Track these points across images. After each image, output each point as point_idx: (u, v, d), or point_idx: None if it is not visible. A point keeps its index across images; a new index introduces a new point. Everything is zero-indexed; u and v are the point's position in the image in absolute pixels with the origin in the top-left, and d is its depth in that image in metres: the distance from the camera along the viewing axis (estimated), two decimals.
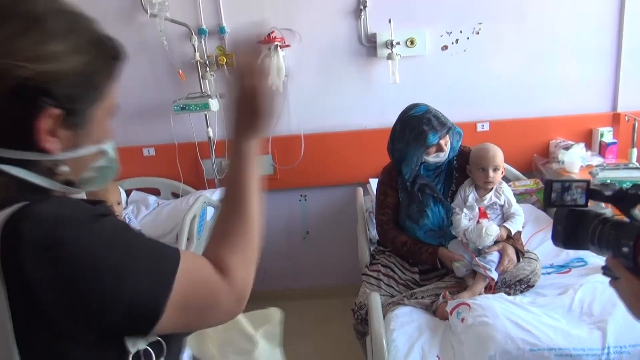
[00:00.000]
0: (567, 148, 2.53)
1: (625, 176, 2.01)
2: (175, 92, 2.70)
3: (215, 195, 2.68)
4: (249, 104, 0.84)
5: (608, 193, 0.88)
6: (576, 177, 2.32)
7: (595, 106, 2.68)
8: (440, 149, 1.86)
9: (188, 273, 0.69)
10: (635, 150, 2.36)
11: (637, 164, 2.17)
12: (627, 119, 2.49)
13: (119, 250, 0.63)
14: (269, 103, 0.85)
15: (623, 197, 0.86)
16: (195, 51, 2.62)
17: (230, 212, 0.80)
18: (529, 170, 2.71)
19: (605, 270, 0.87)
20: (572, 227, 0.91)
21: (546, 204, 0.91)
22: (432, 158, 1.88)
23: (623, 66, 2.61)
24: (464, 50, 2.64)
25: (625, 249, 0.82)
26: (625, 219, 0.85)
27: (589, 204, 0.91)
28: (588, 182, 0.90)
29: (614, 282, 0.86)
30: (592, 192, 0.90)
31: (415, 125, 1.84)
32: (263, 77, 0.83)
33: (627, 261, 0.82)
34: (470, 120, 2.69)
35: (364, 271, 1.97)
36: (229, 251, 0.77)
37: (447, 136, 1.87)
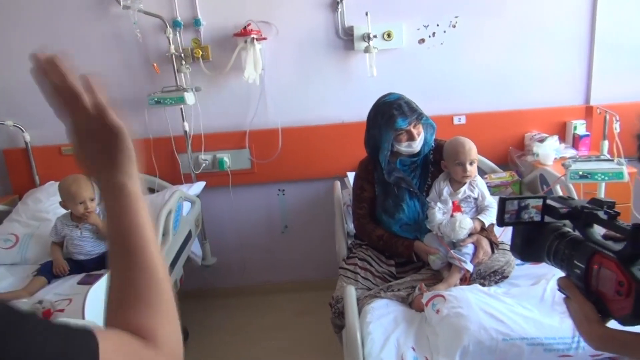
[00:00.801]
0: (541, 140, 2.58)
1: (597, 168, 2.06)
2: (150, 85, 2.67)
3: (192, 189, 2.67)
4: (104, 129, 0.66)
5: (564, 211, 0.88)
6: (550, 169, 2.37)
7: (569, 99, 2.74)
8: (411, 137, 1.88)
9: None
10: (606, 142, 2.42)
11: (608, 156, 2.23)
12: (599, 112, 2.55)
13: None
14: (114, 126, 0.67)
15: (578, 216, 0.86)
16: (170, 44, 2.59)
17: (130, 269, 0.64)
18: (504, 162, 2.75)
19: (560, 288, 0.87)
20: (530, 241, 0.91)
21: (499, 224, 0.91)
22: (405, 148, 1.90)
23: (596, 59, 2.66)
24: (441, 44, 2.66)
25: (577, 271, 0.82)
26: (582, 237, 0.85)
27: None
28: (544, 198, 0.89)
29: (567, 300, 0.86)
30: (548, 209, 0.90)
31: (386, 110, 1.87)
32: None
33: (579, 282, 0.83)
34: (447, 113, 2.72)
35: (341, 265, 1.99)
36: (147, 316, 0.62)
37: (420, 126, 1.89)
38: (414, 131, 1.88)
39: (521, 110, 2.73)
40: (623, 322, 0.77)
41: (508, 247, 1.89)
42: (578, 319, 0.83)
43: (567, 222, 0.89)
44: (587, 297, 0.81)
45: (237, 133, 2.77)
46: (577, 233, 0.87)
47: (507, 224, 0.90)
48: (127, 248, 0.64)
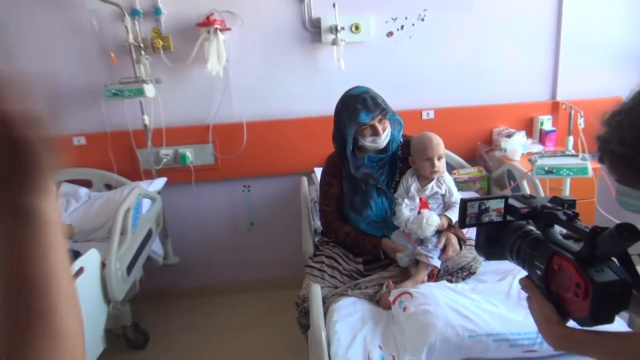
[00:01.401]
0: (509, 136, 2.65)
1: (562, 163, 2.13)
2: (107, 76, 2.60)
3: (152, 186, 2.62)
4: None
5: (524, 211, 0.90)
6: (518, 164, 2.42)
7: (536, 94, 2.81)
8: (375, 132, 1.89)
9: None
10: (571, 137, 2.50)
11: (573, 151, 2.30)
12: (564, 107, 2.62)
13: None
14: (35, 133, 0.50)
15: (538, 216, 0.87)
16: (128, 33, 2.53)
17: (26, 318, 0.46)
18: (473, 158, 2.81)
19: (522, 288, 0.89)
20: (493, 239, 0.93)
21: (460, 225, 0.93)
22: (369, 143, 1.91)
23: (562, 56, 2.74)
24: (409, 37, 2.69)
25: (538, 271, 0.84)
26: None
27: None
28: (506, 199, 0.91)
29: (529, 299, 0.88)
30: (510, 209, 0.92)
31: (351, 103, 1.88)
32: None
33: (539, 283, 0.84)
34: (416, 108, 2.75)
35: (307, 263, 1.99)
36: None
37: (386, 122, 1.90)
38: (379, 126, 1.88)
39: (489, 106, 2.79)
40: (581, 324, 0.79)
41: (473, 242, 1.94)
42: (538, 319, 0.84)
43: (530, 220, 0.91)
44: (547, 298, 0.83)
45: (200, 127, 2.74)
46: (539, 232, 0.89)
47: (469, 226, 0.92)
48: (27, 306, 0.46)
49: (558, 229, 0.87)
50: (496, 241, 0.93)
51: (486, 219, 0.91)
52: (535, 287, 0.85)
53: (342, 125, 1.92)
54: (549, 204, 0.87)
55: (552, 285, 0.82)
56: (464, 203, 0.90)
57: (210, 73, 2.53)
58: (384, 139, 1.91)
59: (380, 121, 1.88)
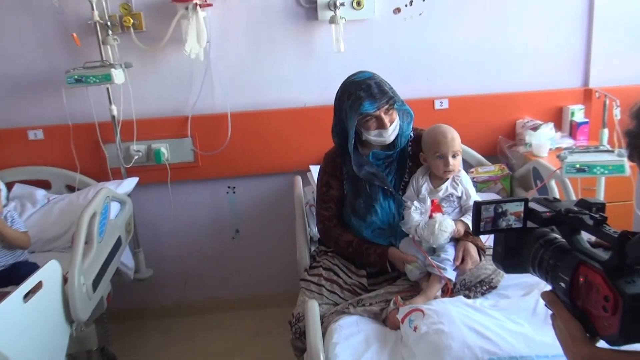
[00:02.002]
0: (535, 128, 2.66)
1: (595, 160, 2.14)
2: (69, 60, 2.61)
3: (122, 187, 2.62)
4: None
5: (546, 215, 0.91)
6: (545, 162, 2.44)
7: (566, 81, 2.84)
8: (381, 124, 1.89)
9: None
10: (606, 130, 2.50)
11: (608, 146, 2.30)
12: (597, 96, 2.64)
13: None
14: None
15: (562, 221, 0.88)
16: (93, 10, 2.53)
17: None
18: (493, 154, 2.83)
19: (545, 304, 0.90)
20: (513, 249, 0.94)
21: (474, 232, 0.93)
22: (374, 137, 1.92)
23: (595, 35, 2.76)
24: (420, 14, 2.71)
25: (562, 284, 0.84)
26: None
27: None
28: (526, 202, 0.92)
29: (553, 317, 0.89)
30: (531, 213, 0.92)
31: (353, 90, 1.88)
32: None
33: (564, 297, 0.85)
34: (428, 97, 2.77)
35: (302, 276, 1.99)
36: None
37: (394, 112, 1.91)
38: (385, 118, 1.89)
39: (512, 94, 2.81)
40: (611, 342, 0.79)
41: None
42: (563, 338, 0.85)
43: (554, 227, 0.92)
44: (573, 314, 0.83)
45: (177, 119, 2.74)
46: (564, 240, 0.89)
47: (484, 233, 0.93)
48: None
49: (586, 236, 0.87)
50: (516, 251, 0.94)
51: (503, 225, 0.92)
52: (559, 302, 0.86)
53: (342, 117, 1.94)
54: (575, 208, 0.88)
55: (578, 299, 0.82)
56: (477, 206, 0.91)
57: (188, 56, 2.53)
58: (391, 133, 1.92)
59: (386, 112, 1.89)
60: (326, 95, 2.68)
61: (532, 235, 0.92)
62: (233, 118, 2.73)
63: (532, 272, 0.92)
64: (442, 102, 2.78)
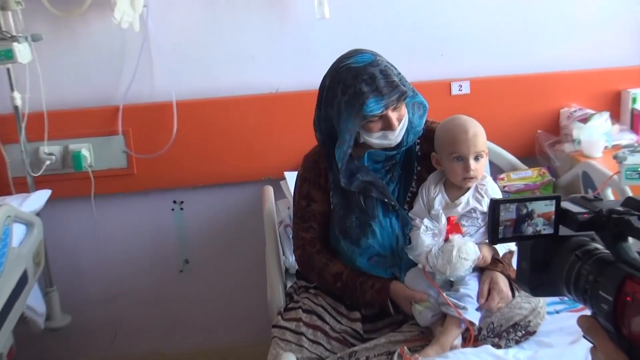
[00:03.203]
0: (584, 120, 2.69)
1: None
2: None
3: (27, 203, 2.59)
4: None
5: (583, 218, 0.91)
6: (598, 164, 2.46)
7: (625, 57, 2.87)
8: (388, 125, 1.89)
9: None
10: None
11: None
12: None
13: None
14: None
15: (604, 224, 0.88)
16: None
17: None
18: (530, 155, 2.85)
19: (584, 334, 0.89)
20: (541, 263, 0.94)
21: (491, 240, 0.94)
22: (377, 140, 1.92)
23: None
24: None
25: (604, 306, 0.84)
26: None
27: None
28: (557, 199, 0.93)
29: (593, 350, 0.89)
30: (563, 215, 0.93)
31: (352, 82, 1.87)
32: None
33: (607, 323, 0.85)
34: (441, 79, 2.79)
35: (276, 321, 1.98)
36: None
37: (403, 107, 1.92)
38: (393, 116, 1.89)
39: (554, 74, 2.84)
40: None
41: None
42: None
43: (593, 233, 0.93)
44: (618, 344, 0.85)
45: (104, 110, 2.74)
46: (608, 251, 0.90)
47: (503, 241, 0.94)
48: None
49: (636, 244, 0.89)
50: (545, 266, 0.95)
51: (529, 231, 0.93)
52: (601, 329, 0.87)
53: (333, 114, 1.93)
54: (620, 208, 0.89)
55: (624, 325, 0.83)
56: (494, 205, 0.92)
57: (119, 25, 2.52)
58: (398, 133, 1.93)
59: (395, 108, 1.90)
60: (306, 77, 2.71)
61: (566, 245, 0.93)
62: (180, 109, 2.72)
63: (566, 293, 0.93)
64: (460, 86, 2.80)
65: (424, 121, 2.02)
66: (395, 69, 1.92)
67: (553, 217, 0.92)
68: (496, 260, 1.91)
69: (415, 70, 2.39)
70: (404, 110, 1.92)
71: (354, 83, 1.86)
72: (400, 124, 1.91)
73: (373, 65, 1.88)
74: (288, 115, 2.74)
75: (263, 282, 2.28)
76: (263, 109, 2.78)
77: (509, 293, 1.88)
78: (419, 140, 2.04)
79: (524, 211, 0.92)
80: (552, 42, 2.83)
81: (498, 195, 1.97)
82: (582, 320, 0.89)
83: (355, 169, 1.97)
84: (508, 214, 0.92)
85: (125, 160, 2.79)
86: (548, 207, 0.92)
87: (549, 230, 0.93)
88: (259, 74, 2.78)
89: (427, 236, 1.86)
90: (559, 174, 2.71)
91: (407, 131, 1.97)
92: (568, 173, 2.64)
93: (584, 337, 0.89)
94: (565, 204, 0.93)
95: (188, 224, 2.94)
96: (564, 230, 0.94)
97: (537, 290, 0.98)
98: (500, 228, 0.92)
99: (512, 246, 1.92)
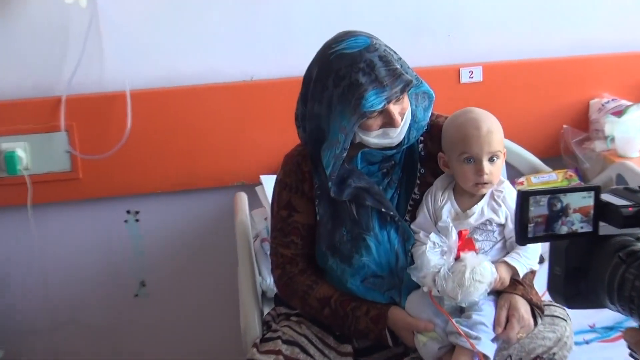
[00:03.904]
0: (619, 113, 2.70)
1: None
2: None
3: None
4: None
5: (628, 212, 0.91)
6: (635, 164, 2.47)
7: None
8: (390, 121, 1.88)
9: None
10: None
11: None
12: None
13: None
14: None
15: None
16: None
17: None
18: (554, 154, 2.88)
19: (630, 351, 0.91)
20: (579, 269, 0.95)
21: (519, 240, 0.94)
22: (376, 139, 1.91)
23: None
24: None
25: None
26: None
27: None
28: (597, 191, 0.93)
29: None
30: (604, 210, 0.93)
31: (346, 72, 1.85)
32: None
33: None
34: (449, 64, 2.79)
35: (251, 355, 1.97)
36: None
37: (405, 98, 1.91)
38: (395, 110, 1.87)
39: (581, 58, 2.85)
40: None
41: (561, 312, 1.96)
42: None
43: None
44: None
45: (43, 102, 2.73)
46: None
47: (533, 241, 0.94)
48: None
49: None
50: (583, 271, 0.95)
51: (564, 229, 0.93)
52: None
53: (321, 111, 1.91)
54: None
55: None
56: (523, 197, 0.92)
57: (62, 0, 2.52)
58: (400, 130, 1.92)
59: (397, 101, 1.90)
60: (286, 62, 2.72)
61: (608, 246, 0.93)
62: (135, 100, 2.71)
63: (609, 303, 0.93)
64: (472, 72, 2.80)
65: (430, 115, 2.02)
66: (396, 53, 1.91)
67: (592, 212, 0.92)
68: (516, 282, 1.90)
69: (417, 53, 2.40)
70: (406, 102, 1.91)
71: (348, 73, 1.84)
72: (403, 119, 1.90)
73: (370, 51, 1.86)
74: (265, 108, 2.74)
75: (235, 309, 2.27)
76: (235, 101, 2.78)
77: (531, 321, 1.87)
78: (422, 138, 2.03)
79: (558, 206, 0.92)
80: (581, 20, 2.85)
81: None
82: (628, 334, 0.90)
83: (346, 174, 1.95)
84: (539, 208, 0.91)
85: (69, 162, 2.77)
86: (586, 200, 0.92)
87: (587, 228, 0.93)
88: (229, 59, 2.78)
89: (434, 254, 1.85)
90: (588, 177, 2.72)
91: (410, 126, 1.96)
92: (599, 176, 2.64)
93: (631, 354, 0.89)
94: (606, 196, 0.93)
95: (145, 239, 2.92)
96: (604, 229, 0.94)
97: (574, 300, 0.97)
98: (530, 226, 0.92)
99: (535, 264, 1.93)
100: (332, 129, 1.89)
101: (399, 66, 1.86)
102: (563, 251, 0.95)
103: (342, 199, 1.93)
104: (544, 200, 0.91)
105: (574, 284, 0.95)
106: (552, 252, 0.96)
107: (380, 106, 1.83)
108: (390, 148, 1.96)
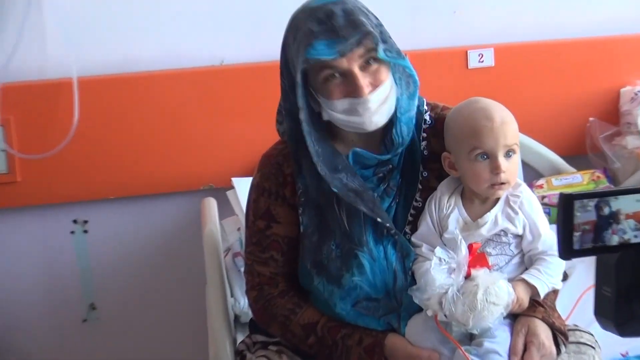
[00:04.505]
0: None
1: None
2: None
3: None
4: None
5: None
6: None
7: None
8: (354, 89, 1.85)
9: None
10: None
11: None
12: None
13: None
14: None
15: None
16: None
17: None
18: (578, 152, 2.89)
19: None
20: (633, 289, 0.94)
21: (562, 254, 0.93)
22: (343, 114, 1.88)
23: None
24: None
25: None
26: None
27: None
28: None
29: None
30: None
31: (303, 23, 1.87)
32: None
33: None
34: (455, 46, 2.80)
35: None
36: None
37: (381, 69, 1.86)
38: (359, 75, 1.85)
39: (610, 39, 2.87)
40: None
41: (588, 339, 1.96)
42: None
43: None
44: None
45: None
46: None
47: (579, 254, 0.92)
48: None
49: None
50: (638, 290, 0.94)
51: (615, 240, 0.92)
52: None
53: (289, 75, 1.91)
54: None
55: None
56: (567, 201, 0.90)
57: None
58: (372, 106, 1.88)
59: (365, 66, 1.86)
60: (260, 44, 2.72)
61: None
62: (83, 88, 2.70)
63: None
64: (481, 56, 2.80)
65: (416, 103, 1.98)
66: (373, 15, 1.90)
67: None
68: (535, 303, 1.89)
69: (418, 34, 2.39)
70: (384, 75, 1.88)
71: (305, 23, 1.86)
72: (376, 91, 1.87)
73: (335, 3, 1.86)
74: (237, 98, 2.74)
75: (203, 336, 2.26)
76: (202, 89, 2.78)
77: (553, 348, 1.86)
78: (424, 134, 2.02)
79: (606, 211, 0.90)
80: None
81: (536, 207, 1.94)
82: None
83: (340, 166, 1.94)
84: (586, 214, 0.90)
85: (5, 163, 2.76)
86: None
87: None
88: (195, 41, 2.79)
89: (441, 272, 1.83)
90: (619, 178, 2.72)
91: (396, 122, 1.93)
92: (632, 177, 2.64)
93: None
94: None
95: (94, 253, 2.91)
96: None
97: (627, 327, 0.96)
98: (576, 235, 0.90)
99: (558, 283, 1.92)
100: (295, 88, 1.88)
101: (365, 21, 1.84)
102: (612, 266, 0.93)
103: (332, 188, 1.88)
104: (592, 204, 0.90)
105: (627, 306, 0.94)
106: (599, 268, 0.94)
107: (330, 57, 1.81)
108: (385, 151, 1.94)
